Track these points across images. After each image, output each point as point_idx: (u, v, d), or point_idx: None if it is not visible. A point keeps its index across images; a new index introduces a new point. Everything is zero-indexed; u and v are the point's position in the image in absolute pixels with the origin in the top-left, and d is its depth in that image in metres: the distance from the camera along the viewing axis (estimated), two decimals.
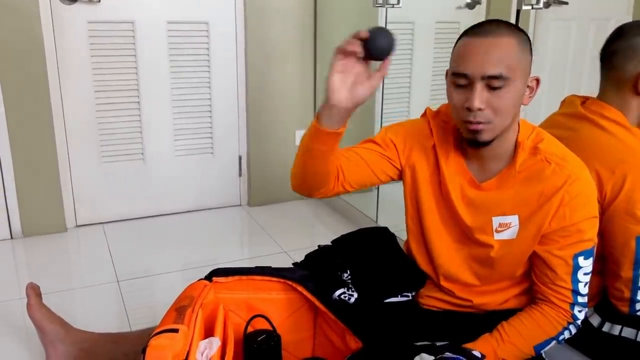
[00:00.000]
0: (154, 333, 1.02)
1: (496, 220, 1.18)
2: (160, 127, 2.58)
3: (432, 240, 1.27)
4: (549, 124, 1.43)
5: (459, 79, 1.08)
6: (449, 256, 1.26)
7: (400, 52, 2.19)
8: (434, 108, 1.30)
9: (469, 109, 1.06)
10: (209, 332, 1.14)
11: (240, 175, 2.82)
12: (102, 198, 2.55)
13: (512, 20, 2.61)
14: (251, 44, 2.63)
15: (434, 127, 1.25)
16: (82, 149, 2.46)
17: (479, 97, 1.05)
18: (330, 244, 1.44)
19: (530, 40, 1.11)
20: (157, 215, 2.68)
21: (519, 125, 1.16)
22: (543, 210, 1.12)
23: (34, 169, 2.34)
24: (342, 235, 1.45)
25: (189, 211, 2.74)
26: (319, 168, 1.17)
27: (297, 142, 2.83)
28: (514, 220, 1.16)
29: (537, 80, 1.12)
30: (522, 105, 1.12)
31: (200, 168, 2.72)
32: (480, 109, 1.06)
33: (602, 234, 1.25)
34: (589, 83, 3.04)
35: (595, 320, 1.36)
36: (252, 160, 2.79)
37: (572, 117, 1.37)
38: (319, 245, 1.43)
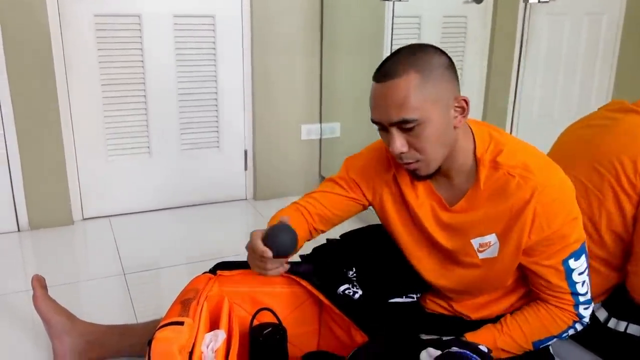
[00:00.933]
0: (159, 325, 1.02)
1: (475, 242, 1.16)
2: (166, 121, 2.58)
3: (416, 265, 1.27)
4: (591, 117, 1.42)
5: (376, 124, 1.08)
6: (437, 277, 1.26)
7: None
8: None
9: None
10: (214, 325, 1.15)
11: (245, 169, 2.82)
12: (108, 191, 2.56)
13: (520, 13, 2.61)
14: (257, 38, 2.62)
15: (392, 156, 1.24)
16: (89, 143, 2.47)
17: (398, 141, 1.04)
18: (338, 238, 1.44)
19: (446, 61, 1.05)
20: (163, 209, 2.69)
21: (473, 137, 1.12)
22: (518, 225, 1.08)
23: (41, 162, 2.35)
24: (351, 230, 1.45)
25: (194, 205, 2.75)
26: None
27: (304, 136, 2.84)
28: (492, 238, 1.13)
29: (465, 101, 1.06)
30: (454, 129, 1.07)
31: (206, 162, 2.73)
32: (402, 152, 1.05)
33: (635, 221, 1.23)
34: (582, 77, 3.06)
35: (601, 315, 1.35)
36: (257, 154, 2.79)
37: (617, 111, 1.36)
38: (327, 239, 1.43)
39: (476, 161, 1.11)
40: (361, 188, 1.27)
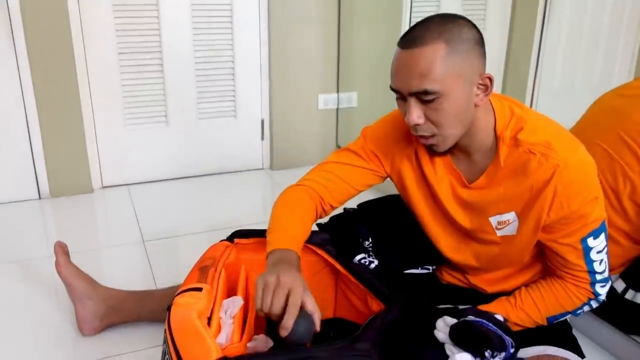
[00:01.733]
0: (178, 291, 1.04)
1: (494, 220, 1.14)
2: (183, 90, 2.58)
3: (434, 239, 1.26)
4: (625, 86, 1.40)
5: (395, 92, 1.04)
6: (453, 251, 1.25)
7: (426, 16, 2.13)
8: None
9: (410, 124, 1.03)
10: (231, 292, 1.16)
11: (262, 138, 2.83)
12: (126, 160, 2.58)
13: None
14: (274, 6, 2.59)
15: None
16: (107, 112, 2.48)
17: (415, 112, 1.00)
18: (356, 207, 1.44)
19: (476, 35, 1.00)
20: (181, 178, 2.71)
21: (494, 113, 1.08)
22: (538, 203, 1.06)
23: (61, 131, 2.37)
24: (368, 200, 1.44)
25: (211, 174, 2.77)
26: None
27: (320, 106, 2.82)
28: (511, 216, 1.11)
29: (490, 79, 1.02)
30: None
31: (223, 131, 2.73)
32: (418, 124, 1.02)
33: None
34: (606, 47, 2.97)
35: (619, 287, 1.34)
36: (274, 123, 2.78)
37: None
38: (344, 209, 1.43)
39: (496, 138, 1.08)
40: (380, 159, 1.24)
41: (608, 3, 2.90)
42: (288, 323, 0.92)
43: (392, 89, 1.04)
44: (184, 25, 2.48)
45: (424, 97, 0.99)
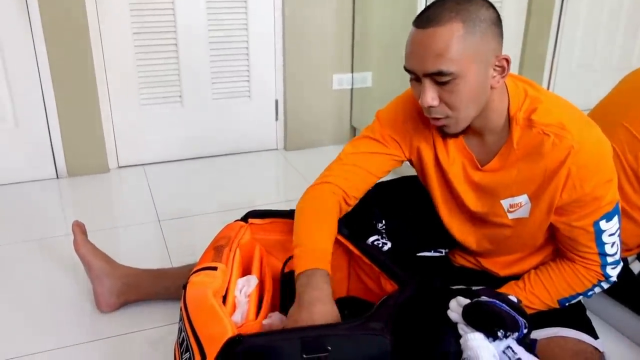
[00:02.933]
0: (194, 270, 1.05)
1: (505, 203, 1.13)
2: (198, 70, 2.58)
3: (446, 222, 1.26)
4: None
5: (409, 73, 1.02)
6: (465, 235, 1.25)
7: None
8: None
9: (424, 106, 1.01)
10: (246, 271, 1.18)
11: (276, 119, 2.82)
12: (142, 140, 2.60)
13: None
14: None
15: None
16: (122, 92, 2.49)
17: (429, 94, 0.98)
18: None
19: (493, 15, 0.98)
20: (195, 158, 2.72)
21: (508, 95, 1.06)
22: (552, 185, 1.05)
23: (77, 111, 2.39)
24: (384, 181, 1.43)
25: (226, 154, 2.78)
26: None
27: (335, 86, 2.81)
28: (523, 199, 1.10)
29: (507, 60, 1.00)
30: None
31: (237, 111, 2.73)
32: (432, 106, 1.00)
33: None
34: (626, 24, 2.90)
35: (636, 268, 1.33)
36: (288, 104, 2.78)
37: None
38: None
39: (509, 119, 1.07)
40: (399, 143, 1.22)
41: None
42: None
43: (407, 70, 1.03)
44: (198, 5, 2.47)
45: (439, 79, 0.97)
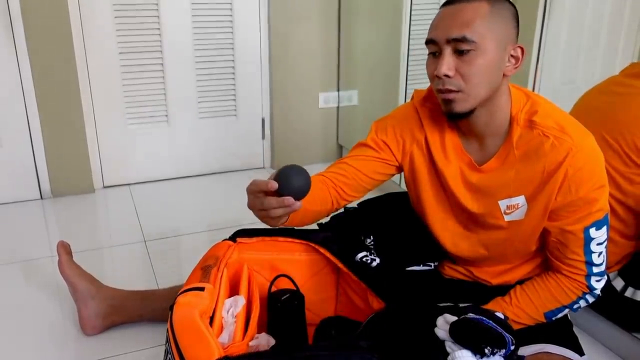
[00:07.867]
0: (181, 291, 1.04)
1: (503, 204, 1.15)
2: (184, 89, 2.58)
3: (437, 231, 1.27)
4: (608, 82, 1.41)
5: (430, 47, 1.07)
6: (458, 242, 1.25)
7: (427, 13, 2.13)
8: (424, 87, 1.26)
9: (438, 77, 1.04)
10: (233, 291, 1.17)
11: (263, 137, 2.83)
12: (128, 160, 2.59)
13: None
14: (274, 5, 2.59)
15: (423, 115, 1.22)
16: (108, 111, 2.48)
17: (446, 63, 1.03)
18: (356, 206, 1.44)
19: (514, 10, 1.06)
20: (182, 177, 2.71)
21: (510, 97, 1.11)
22: (548, 187, 1.08)
23: (62, 131, 2.37)
24: (369, 199, 1.45)
25: (212, 173, 2.77)
26: (307, 220, 1.20)
27: (321, 104, 2.83)
28: (520, 200, 1.13)
29: (522, 49, 1.06)
30: (507, 76, 1.07)
31: (224, 130, 2.73)
32: (447, 76, 1.03)
33: None
34: (607, 41, 2.96)
35: (618, 284, 1.35)
36: (275, 122, 2.79)
37: (634, 77, 1.34)
38: (345, 208, 1.44)
39: (510, 120, 1.11)
40: (391, 148, 1.25)
41: None
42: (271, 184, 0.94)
43: (427, 43, 1.07)
44: (184, 25, 2.48)
45: (461, 46, 1.02)
